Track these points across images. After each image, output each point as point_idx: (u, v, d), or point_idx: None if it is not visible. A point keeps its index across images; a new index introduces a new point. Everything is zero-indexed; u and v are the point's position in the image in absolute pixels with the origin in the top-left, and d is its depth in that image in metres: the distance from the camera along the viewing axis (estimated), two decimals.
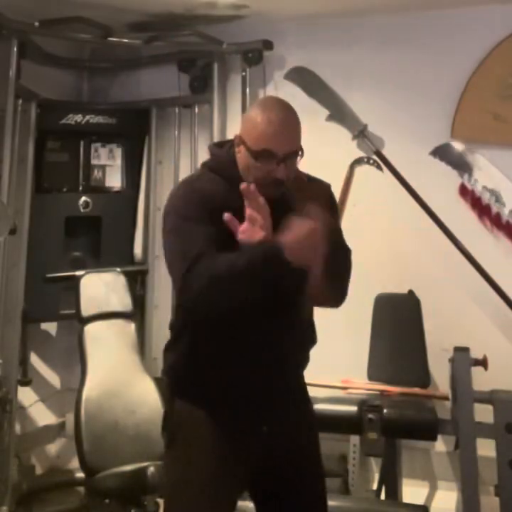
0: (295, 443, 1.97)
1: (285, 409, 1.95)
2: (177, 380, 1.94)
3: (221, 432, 1.86)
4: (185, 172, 3.59)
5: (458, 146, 3.48)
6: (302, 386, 2.06)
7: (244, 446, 1.87)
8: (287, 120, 1.84)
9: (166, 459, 1.97)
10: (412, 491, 3.34)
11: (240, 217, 1.77)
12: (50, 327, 3.96)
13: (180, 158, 3.91)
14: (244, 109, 3.76)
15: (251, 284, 1.71)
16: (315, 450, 2.11)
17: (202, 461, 1.85)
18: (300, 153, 1.85)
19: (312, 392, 2.95)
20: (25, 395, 3.68)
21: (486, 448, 2.88)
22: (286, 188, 1.85)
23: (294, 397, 2.00)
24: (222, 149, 1.96)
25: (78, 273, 3.28)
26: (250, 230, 1.75)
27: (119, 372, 3.11)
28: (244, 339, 1.83)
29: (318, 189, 2.07)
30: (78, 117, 3.81)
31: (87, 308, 3.17)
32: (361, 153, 3.65)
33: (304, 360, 2.02)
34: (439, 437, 3.14)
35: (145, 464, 2.68)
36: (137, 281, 3.83)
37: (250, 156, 1.81)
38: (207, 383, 1.87)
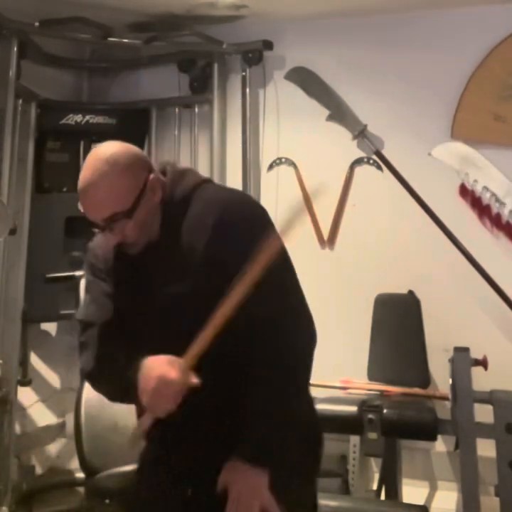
0: None
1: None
2: None
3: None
4: None
5: (458, 146, 3.49)
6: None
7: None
8: (87, 187, 1.61)
9: None
10: (412, 491, 3.34)
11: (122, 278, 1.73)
12: (50, 327, 3.96)
13: (180, 158, 3.91)
14: (244, 109, 3.77)
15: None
16: None
17: None
18: (126, 213, 1.61)
19: (312, 392, 2.95)
20: (25, 395, 3.68)
21: (486, 448, 2.88)
22: (144, 242, 1.67)
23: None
24: None
25: (78, 273, 3.27)
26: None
27: None
28: None
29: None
30: (78, 117, 3.81)
31: None
32: (361, 153, 3.65)
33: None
34: (439, 437, 3.14)
35: None
36: None
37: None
38: None
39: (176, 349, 1.56)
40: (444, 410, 3.11)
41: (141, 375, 1.56)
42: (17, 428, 3.52)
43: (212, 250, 1.60)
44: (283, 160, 3.74)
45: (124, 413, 2.99)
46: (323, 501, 2.80)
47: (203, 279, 1.60)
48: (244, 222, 1.63)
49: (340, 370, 3.37)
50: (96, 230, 1.75)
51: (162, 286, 1.66)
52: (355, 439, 3.34)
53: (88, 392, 2.97)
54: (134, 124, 3.97)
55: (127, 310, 1.72)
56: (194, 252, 1.62)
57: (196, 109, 3.88)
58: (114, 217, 1.62)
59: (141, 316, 1.71)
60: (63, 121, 3.78)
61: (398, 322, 3.43)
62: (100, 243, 1.86)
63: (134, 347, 1.67)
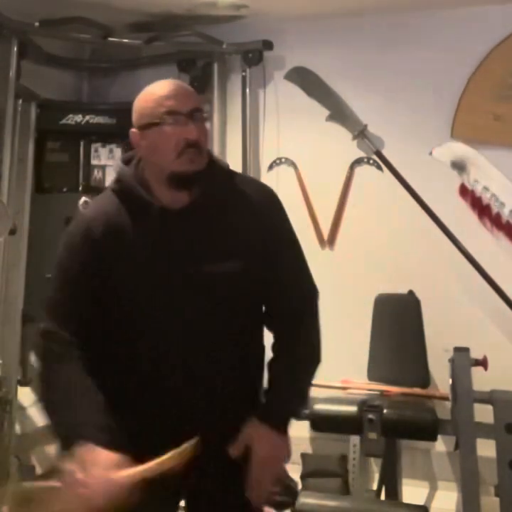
0: None
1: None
2: None
3: None
4: None
5: (458, 146, 3.49)
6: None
7: None
8: (176, 83, 1.76)
9: None
10: (412, 491, 3.33)
11: (143, 245, 1.64)
12: None
13: None
14: (244, 109, 3.76)
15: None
16: None
17: None
18: (205, 114, 1.74)
19: (312, 392, 2.95)
20: (25, 395, 3.67)
21: (486, 448, 2.88)
22: (203, 175, 1.65)
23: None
24: (129, 166, 1.74)
25: None
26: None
27: None
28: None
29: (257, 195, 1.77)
30: (78, 117, 3.81)
31: None
32: (361, 153, 3.66)
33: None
34: (439, 437, 3.13)
35: None
36: None
37: (156, 129, 1.64)
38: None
39: (207, 336, 1.62)
40: (444, 410, 3.11)
41: (78, 455, 1.48)
42: (17, 428, 3.52)
43: (265, 235, 1.69)
44: (283, 160, 3.74)
45: None
46: (323, 501, 2.81)
47: (253, 261, 1.67)
48: (286, 214, 1.79)
49: (340, 370, 3.37)
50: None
51: (202, 262, 1.63)
52: (355, 439, 3.34)
53: None
54: None
55: (139, 285, 1.63)
56: (248, 232, 1.68)
57: None
58: (198, 109, 1.69)
59: (164, 293, 1.62)
60: (63, 121, 3.78)
61: (398, 322, 3.43)
62: (103, 210, 1.74)
63: (134, 332, 1.62)
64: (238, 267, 1.64)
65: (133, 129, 1.70)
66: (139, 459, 1.47)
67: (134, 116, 1.71)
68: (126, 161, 1.77)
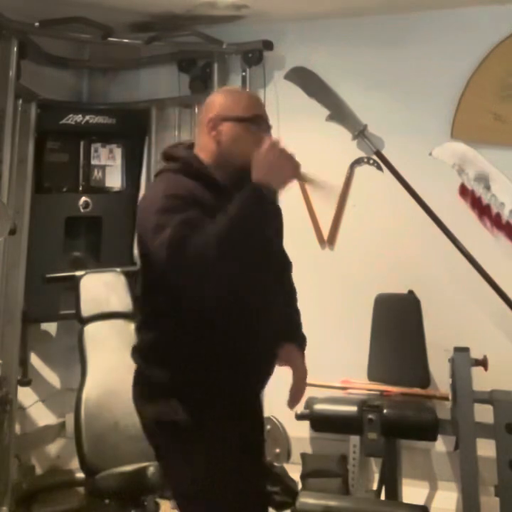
0: None
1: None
2: (176, 383, 1.90)
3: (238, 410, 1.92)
4: None
5: (458, 146, 3.49)
6: None
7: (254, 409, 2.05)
8: (257, 96, 2.08)
9: (183, 456, 1.89)
10: (412, 491, 3.33)
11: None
12: (50, 327, 3.96)
13: None
14: None
15: (247, 229, 1.73)
16: None
17: (232, 439, 1.89)
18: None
19: (312, 392, 2.95)
20: (25, 395, 3.68)
21: (486, 448, 2.88)
22: None
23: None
24: (186, 151, 1.98)
25: (78, 273, 3.27)
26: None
27: (119, 372, 3.10)
28: (247, 317, 1.90)
29: None
30: (78, 117, 3.81)
31: (87, 309, 3.17)
32: (361, 153, 3.66)
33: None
34: (439, 437, 3.14)
35: (145, 464, 2.68)
36: (137, 282, 3.83)
37: (244, 124, 1.88)
38: (220, 373, 1.88)
39: (276, 295, 2.01)
40: (444, 410, 3.11)
41: (256, 160, 1.80)
42: (17, 428, 3.52)
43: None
44: None
45: (124, 413, 3.00)
46: (323, 501, 2.81)
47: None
48: None
49: (340, 370, 3.37)
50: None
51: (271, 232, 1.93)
52: (355, 439, 3.34)
53: (88, 392, 2.98)
54: (134, 124, 3.98)
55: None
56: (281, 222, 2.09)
57: (196, 109, 3.88)
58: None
59: (262, 256, 1.83)
60: (63, 121, 3.78)
61: (398, 322, 3.43)
62: (190, 185, 1.86)
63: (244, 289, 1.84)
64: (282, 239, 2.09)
65: (214, 116, 1.90)
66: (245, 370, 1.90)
67: (226, 106, 1.91)
68: (175, 147, 2.04)
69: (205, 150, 1.93)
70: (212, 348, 1.87)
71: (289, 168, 1.85)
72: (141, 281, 2.01)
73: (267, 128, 1.94)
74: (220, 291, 1.75)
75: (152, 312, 1.96)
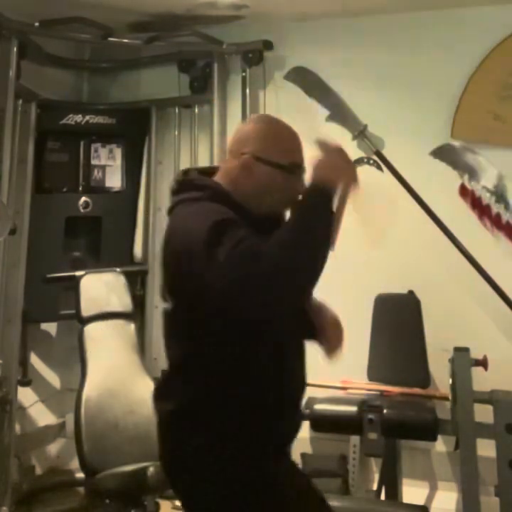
0: None
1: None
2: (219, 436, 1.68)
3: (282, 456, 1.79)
4: None
5: (458, 146, 3.49)
6: None
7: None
8: (296, 133, 1.78)
9: None
10: (412, 491, 3.33)
11: None
12: (50, 327, 3.96)
13: (180, 158, 3.91)
14: (244, 109, 3.76)
15: (318, 235, 1.62)
16: None
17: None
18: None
19: (312, 392, 2.95)
20: (25, 395, 3.68)
21: (486, 448, 2.88)
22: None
23: None
24: (211, 179, 1.77)
25: (78, 273, 3.27)
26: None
27: (119, 372, 3.11)
28: (286, 353, 1.74)
29: None
30: (78, 117, 3.81)
31: (87, 309, 3.17)
32: (361, 153, 3.65)
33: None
34: (439, 437, 3.14)
35: (145, 464, 2.68)
36: (137, 282, 3.83)
37: (282, 173, 1.70)
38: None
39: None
40: (444, 410, 3.11)
41: (320, 160, 1.68)
42: (17, 428, 3.52)
43: None
44: None
45: (124, 413, 3.00)
46: None
47: None
48: None
49: (340, 370, 3.36)
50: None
51: None
52: (355, 439, 3.35)
53: (88, 392, 2.98)
54: (134, 124, 3.98)
55: None
56: None
57: (196, 109, 3.88)
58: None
59: None
60: (63, 121, 3.79)
61: (398, 322, 3.43)
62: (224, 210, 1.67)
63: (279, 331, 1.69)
64: None
65: (250, 156, 1.71)
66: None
67: (263, 146, 1.72)
68: (199, 173, 1.83)
69: (232, 183, 1.73)
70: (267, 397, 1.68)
71: (351, 174, 1.76)
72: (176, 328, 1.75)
73: (303, 174, 1.73)
74: (294, 303, 1.65)
75: (194, 363, 1.70)
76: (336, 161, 1.70)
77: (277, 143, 1.73)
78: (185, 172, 1.86)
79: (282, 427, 1.75)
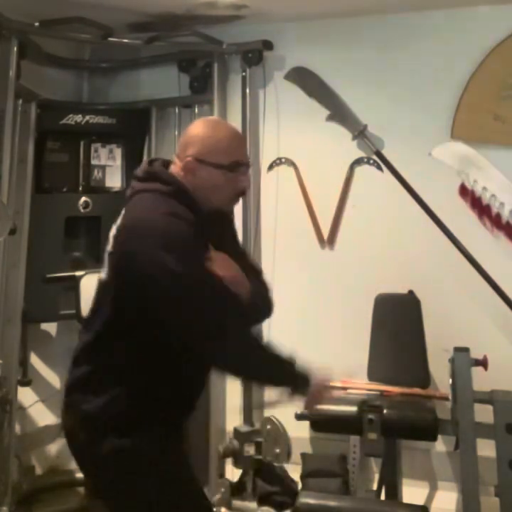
0: None
1: None
2: (123, 418, 1.91)
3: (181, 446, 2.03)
4: None
5: (458, 146, 3.48)
6: None
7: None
8: (239, 132, 1.99)
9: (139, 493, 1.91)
10: (412, 491, 3.33)
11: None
12: (50, 327, 3.96)
13: None
14: (244, 109, 3.76)
15: (272, 380, 1.96)
16: None
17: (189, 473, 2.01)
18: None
19: None
20: (25, 395, 3.68)
21: (486, 448, 2.88)
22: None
23: None
24: (175, 175, 1.90)
25: (78, 273, 3.27)
26: None
27: None
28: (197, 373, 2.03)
29: None
30: (78, 117, 3.81)
31: (87, 309, 3.15)
32: (361, 153, 3.65)
33: None
34: (439, 437, 3.13)
35: None
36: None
37: (224, 172, 1.84)
38: (167, 413, 1.96)
39: None
40: (444, 410, 3.11)
41: (314, 377, 1.92)
42: (17, 428, 3.52)
43: None
44: (283, 160, 3.74)
45: None
46: (323, 501, 2.81)
47: None
48: None
49: (340, 370, 3.36)
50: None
51: None
52: (355, 439, 3.34)
53: None
54: (134, 124, 3.98)
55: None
56: None
57: (196, 109, 3.88)
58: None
59: None
60: (63, 121, 3.78)
61: (398, 322, 3.43)
62: (178, 211, 1.84)
63: None
64: None
65: (192, 159, 1.85)
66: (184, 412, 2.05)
67: (205, 148, 1.86)
68: (162, 166, 1.94)
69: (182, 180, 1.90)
70: (175, 390, 1.95)
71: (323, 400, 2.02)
72: (109, 304, 2.01)
73: (246, 170, 1.90)
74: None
75: (114, 341, 1.97)
76: (319, 396, 1.98)
77: (217, 144, 1.86)
78: (151, 162, 1.98)
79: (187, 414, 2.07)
